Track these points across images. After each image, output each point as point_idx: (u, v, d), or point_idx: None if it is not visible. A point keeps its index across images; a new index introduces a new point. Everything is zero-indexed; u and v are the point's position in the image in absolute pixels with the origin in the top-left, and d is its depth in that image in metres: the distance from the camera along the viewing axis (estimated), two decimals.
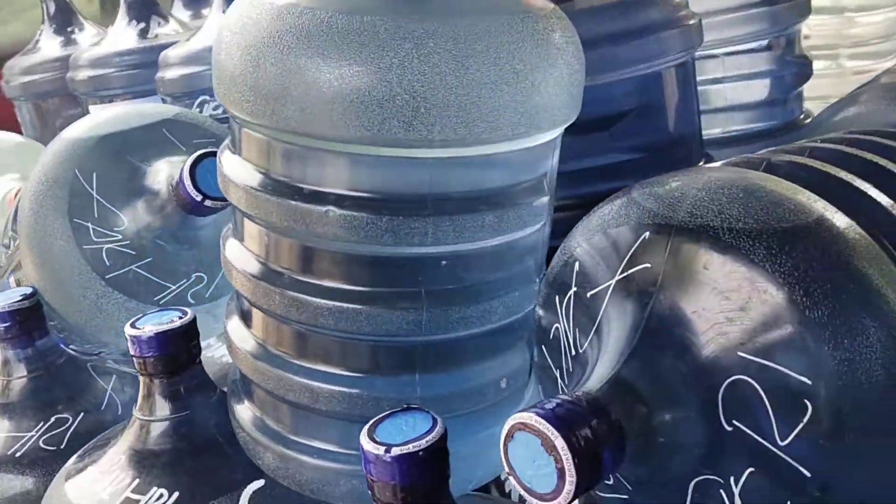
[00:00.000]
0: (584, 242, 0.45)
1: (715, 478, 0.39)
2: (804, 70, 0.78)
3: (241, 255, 0.49)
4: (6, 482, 0.65)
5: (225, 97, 0.45)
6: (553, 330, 0.46)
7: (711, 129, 0.78)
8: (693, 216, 0.40)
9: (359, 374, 0.47)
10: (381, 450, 0.40)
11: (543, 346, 0.48)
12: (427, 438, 0.41)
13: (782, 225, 0.38)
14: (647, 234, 0.42)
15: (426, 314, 0.45)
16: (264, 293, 0.47)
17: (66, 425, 0.68)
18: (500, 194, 0.44)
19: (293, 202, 0.44)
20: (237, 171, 0.47)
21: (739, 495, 0.39)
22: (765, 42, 0.74)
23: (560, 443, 0.35)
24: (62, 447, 0.66)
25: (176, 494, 0.53)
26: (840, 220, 0.39)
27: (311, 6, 0.41)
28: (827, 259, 0.37)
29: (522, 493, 0.37)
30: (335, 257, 0.45)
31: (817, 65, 0.79)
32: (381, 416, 0.43)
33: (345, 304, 0.45)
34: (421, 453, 0.40)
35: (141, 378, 0.57)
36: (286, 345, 0.49)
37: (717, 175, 0.43)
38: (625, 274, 0.42)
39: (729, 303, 0.38)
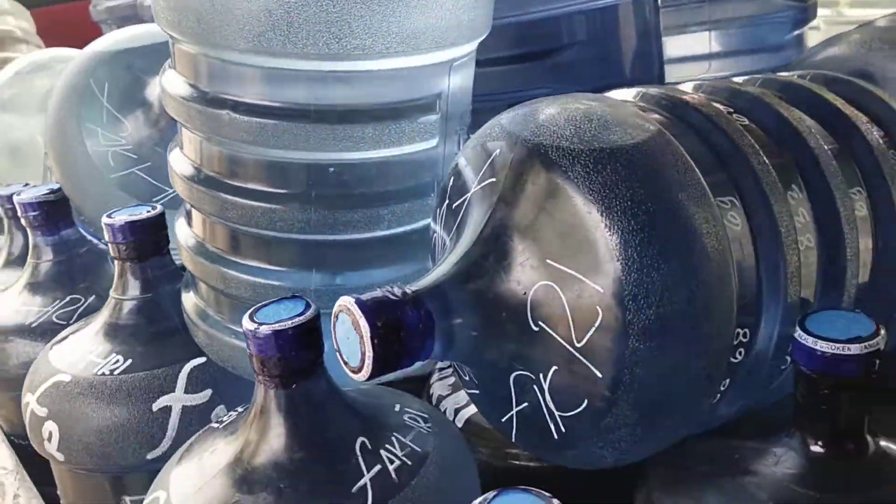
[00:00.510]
0: (463, 156, 0.48)
1: (528, 373, 0.43)
2: (800, 15, 0.76)
3: (180, 160, 0.55)
4: (20, 346, 0.75)
5: (156, 15, 0.50)
6: (434, 238, 0.51)
7: (705, 74, 0.78)
8: (534, 135, 0.43)
9: (264, 266, 0.53)
10: (255, 326, 0.46)
11: (430, 256, 0.52)
12: (296, 319, 0.46)
13: (601, 146, 0.41)
14: (499, 149, 0.45)
15: (314, 214, 0.50)
16: (196, 194, 0.54)
17: (78, 304, 0.78)
18: (382, 109, 0.48)
19: (204, 107, 0.49)
20: (172, 83, 0.53)
21: (548, 391, 0.43)
22: None
23: (363, 324, 0.40)
24: (70, 322, 0.76)
25: (129, 361, 0.61)
26: (664, 147, 0.42)
27: None
28: (632, 180, 0.40)
29: (343, 365, 0.42)
30: (241, 160, 0.51)
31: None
32: (264, 302, 0.48)
33: (249, 202, 0.51)
34: (290, 331, 0.46)
35: (115, 262, 0.65)
36: (214, 240, 0.55)
37: (576, 101, 0.45)
38: (478, 186, 0.46)
39: (545, 214, 0.42)
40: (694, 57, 0.76)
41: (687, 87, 0.52)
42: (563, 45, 0.62)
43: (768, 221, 0.43)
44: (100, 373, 0.61)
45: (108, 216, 0.64)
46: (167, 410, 0.60)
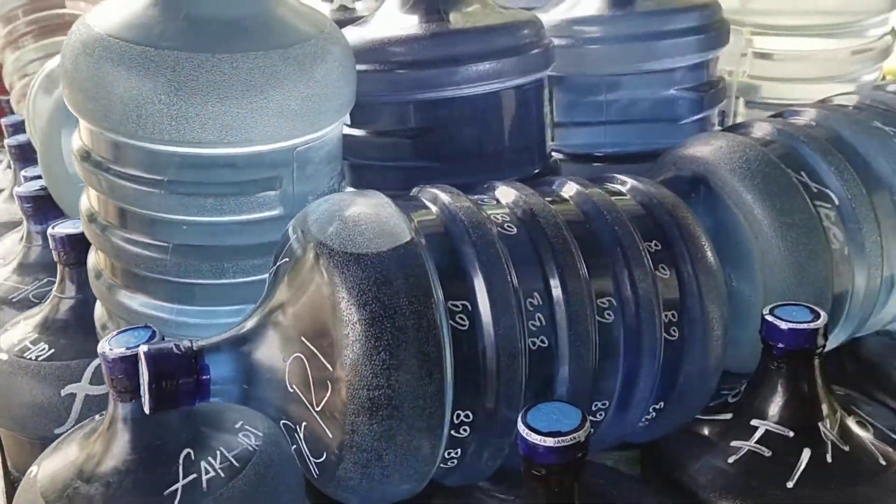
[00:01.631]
0: (288, 227, 0.57)
1: (290, 424, 0.52)
2: (696, 104, 0.80)
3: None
4: (2, 315, 0.89)
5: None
6: None
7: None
8: (314, 230, 0.52)
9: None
10: (106, 350, 0.56)
11: None
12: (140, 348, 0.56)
13: (351, 251, 0.49)
14: (295, 235, 0.54)
15: (170, 260, 0.60)
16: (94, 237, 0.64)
17: (52, 286, 0.91)
18: (223, 185, 0.58)
19: (89, 167, 0.60)
20: (75, 140, 0.63)
21: (303, 440, 0.52)
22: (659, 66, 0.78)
23: (144, 370, 0.49)
24: (44, 300, 0.88)
25: (52, 351, 0.73)
26: (403, 258, 0.49)
27: (120, 37, 0.56)
28: (366, 284, 0.48)
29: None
30: (122, 209, 0.61)
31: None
32: (121, 329, 0.58)
33: (125, 245, 0.61)
34: (132, 357, 0.55)
35: (58, 266, 0.77)
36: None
37: (358, 205, 0.53)
38: (279, 262, 0.54)
39: (306, 299, 0.50)
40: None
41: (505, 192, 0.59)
42: (444, 125, 0.70)
43: (500, 331, 0.50)
44: (28, 357, 0.73)
45: (52, 228, 0.75)
46: (72, 396, 0.71)
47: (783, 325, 0.57)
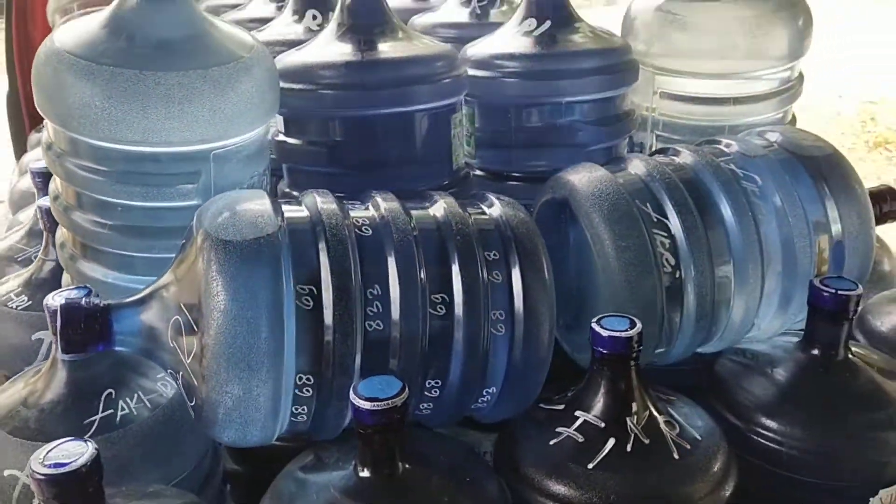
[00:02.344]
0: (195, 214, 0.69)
1: (173, 372, 0.64)
2: (601, 132, 0.88)
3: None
4: (8, 270, 1.03)
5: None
6: None
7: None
8: (205, 218, 0.63)
9: None
10: (49, 303, 0.69)
11: None
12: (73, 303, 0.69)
13: (223, 237, 0.60)
14: (195, 222, 0.65)
15: (111, 236, 0.73)
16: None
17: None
18: (150, 175, 0.70)
19: (54, 158, 0.73)
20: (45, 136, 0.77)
21: (182, 387, 0.64)
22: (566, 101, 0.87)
23: (58, 319, 0.62)
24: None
25: (30, 303, 0.88)
26: (259, 248, 0.60)
27: (72, 52, 0.69)
28: (228, 265, 0.59)
29: None
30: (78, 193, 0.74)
31: None
32: (67, 287, 0.72)
33: (79, 215, 0.74)
34: (64, 311, 0.68)
35: (44, 233, 0.91)
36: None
37: (238, 196, 0.65)
38: (182, 242, 0.66)
39: (190, 273, 0.62)
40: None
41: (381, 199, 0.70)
42: (362, 139, 0.81)
43: (338, 313, 0.61)
44: (10, 305, 0.88)
45: (40, 201, 0.89)
46: (40, 341, 0.85)
47: (604, 333, 0.67)
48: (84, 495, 0.55)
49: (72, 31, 0.71)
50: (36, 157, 1.68)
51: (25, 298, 0.89)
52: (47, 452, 0.55)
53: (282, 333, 0.59)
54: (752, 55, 0.92)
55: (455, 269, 0.66)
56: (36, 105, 0.73)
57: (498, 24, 0.97)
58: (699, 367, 0.83)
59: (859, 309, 0.88)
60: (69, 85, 0.68)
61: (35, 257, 1.04)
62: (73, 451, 0.55)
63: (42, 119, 2.04)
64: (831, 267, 0.78)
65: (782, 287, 0.76)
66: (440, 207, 0.70)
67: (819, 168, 0.78)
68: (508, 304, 0.67)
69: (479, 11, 1.07)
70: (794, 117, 1.03)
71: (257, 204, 0.65)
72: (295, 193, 0.84)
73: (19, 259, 1.06)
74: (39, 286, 0.90)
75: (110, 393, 0.72)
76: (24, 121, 1.99)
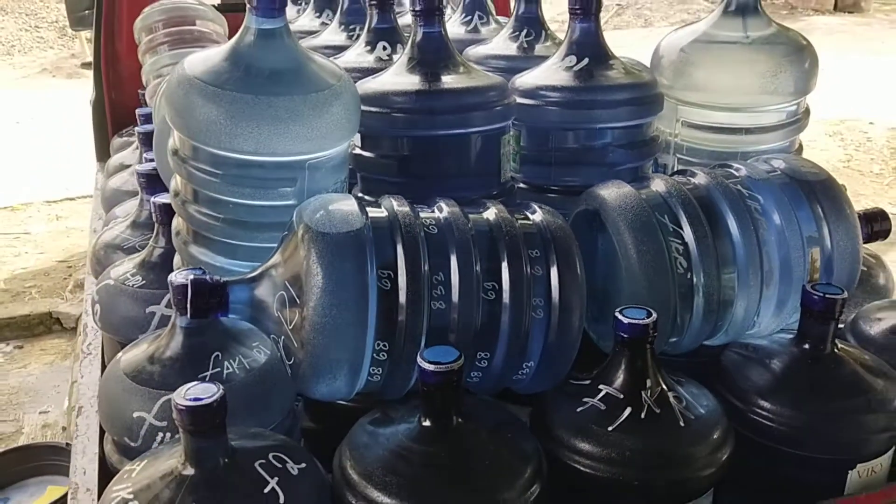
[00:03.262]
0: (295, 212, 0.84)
1: (276, 338, 0.79)
2: (630, 155, 1.02)
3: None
4: (115, 257, 1.19)
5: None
6: None
7: None
8: (304, 214, 0.78)
9: None
10: (173, 278, 0.84)
11: None
12: (192, 280, 0.84)
13: (322, 230, 0.75)
14: (295, 217, 0.80)
15: (221, 227, 0.88)
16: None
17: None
18: (255, 179, 0.86)
19: (176, 160, 0.89)
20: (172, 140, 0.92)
21: (282, 348, 0.79)
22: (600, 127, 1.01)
23: (189, 291, 0.77)
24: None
25: (143, 282, 1.03)
26: (351, 240, 0.75)
27: (200, 79, 0.84)
28: (326, 253, 0.74)
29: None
30: (198, 192, 0.90)
31: None
32: (186, 267, 0.87)
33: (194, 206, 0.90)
34: (185, 286, 0.84)
35: (155, 225, 1.07)
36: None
37: (331, 198, 0.80)
38: (284, 234, 0.81)
39: (295, 258, 0.77)
40: None
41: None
42: (425, 154, 0.96)
43: (410, 294, 0.76)
44: (127, 284, 1.03)
45: (154, 197, 1.05)
46: (153, 314, 1.01)
47: (625, 321, 0.80)
48: (213, 425, 0.70)
49: (200, 61, 0.87)
50: (121, 162, 1.86)
51: (140, 279, 1.04)
52: (187, 390, 0.70)
53: (365, 308, 0.74)
54: (763, 92, 1.05)
55: (504, 263, 0.80)
56: (168, 119, 0.88)
57: (542, 58, 1.11)
58: (710, 359, 0.96)
59: (846, 312, 1.02)
60: (198, 105, 0.83)
61: (139, 246, 1.21)
62: (207, 391, 0.70)
63: (124, 125, 2.22)
64: (822, 275, 0.90)
65: (779, 291, 0.89)
66: (492, 213, 0.84)
67: (814, 191, 0.91)
68: (546, 294, 0.81)
69: (525, 45, 1.21)
70: (800, 145, 1.15)
71: (347, 205, 0.80)
72: (368, 198, 0.99)
73: (125, 247, 1.22)
74: (151, 268, 1.05)
75: (217, 355, 0.86)
76: (108, 126, 2.17)
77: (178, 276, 0.84)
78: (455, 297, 0.78)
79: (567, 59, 1.04)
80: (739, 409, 0.87)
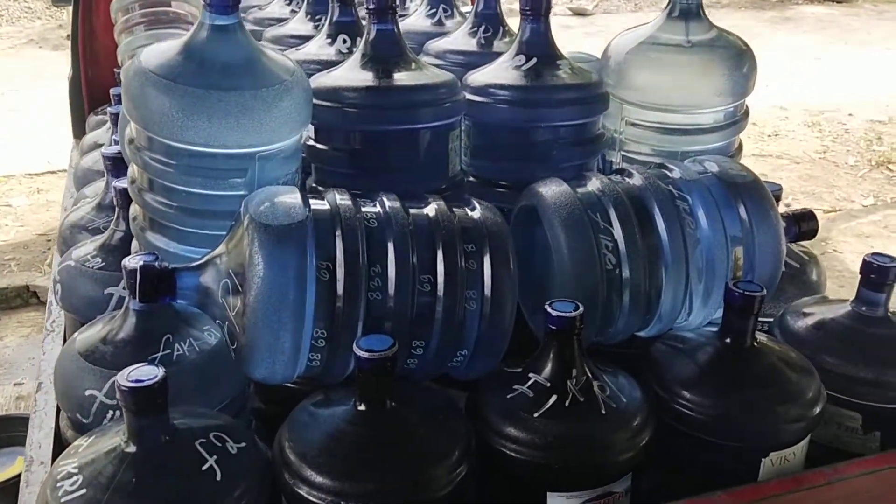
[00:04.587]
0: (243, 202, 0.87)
1: (220, 323, 0.83)
2: (575, 152, 1.06)
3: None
4: (80, 237, 1.23)
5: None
6: None
7: None
8: (250, 205, 0.82)
9: None
10: (126, 263, 0.88)
11: None
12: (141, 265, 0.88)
13: (264, 221, 0.79)
14: (242, 208, 0.84)
15: (175, 214, 0.92)
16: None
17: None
18: (207, 170, 0.89)
19: (134, 151, 0.92)
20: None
21: (226, 333, 0.83)
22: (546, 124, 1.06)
23: (138, 276, 0.81)
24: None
25: (103, 263, 1.07)
26: (292, 231, 0.79)
27: (154, 72, 0.87)
28: (265, 245, 0.78)
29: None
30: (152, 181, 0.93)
31: None
32: (141, 252, 0.91)
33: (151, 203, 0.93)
34: (133, 270, 0.87)
35: (116, 208, 1.10)
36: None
37: (276, 190, 0.84)
38: (232, 224, 0.85)
39: (239, 247, 0.80)
40: None
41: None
42: (377, 148, 1.00)
43: (347, 285, 0.80)
44: (87, 265, 1.07)
45: (115, 182, 1.09)
46: (111, 295, 1.04)
47: (554, 313, 0.85)
48: (153, 406, 0.74)
49: (155, 54, 0.90)
50: (95, 140, 1.88)
51: (100, 261, 1.08)
52: (130, 372, 0.74)
53: (304, 297, 0.78)
54: (700, 95, 1.09)
55: (440, 256, 0.84)
56: (124, 110, 0.92)
57: (499, 54, 1.14)
58: (642, 350, 1.01)
59: (777, 306, 1.08)
60: (152, 97, 0.87)
61: (102, 227, 1.24)
62: (149, 373, 0.74)
63: (100, 102, 2.23)
64: (745, 273, 0.95)
65: (705, 287, 0.94)
66: (432, 208, 0.88)
67: (740, 192, 0.95)
68: (480, 286, 0.85)
69: (483, 41, 1.24)
70: (740, 144, 1.20)
71: (291, 197, 0.84)
72: (321, 189, 1.03)
73: (90, 228, 1.25)
74: (111, 251, 1.09)
75: (168, 337, 0.90)
76: (85, 104, 2.19)
77: (131, 261, 0.88)
78: (391, 288, 0.82)
79: (517, 59, 1.08)
80: (664, 399, 0.92)
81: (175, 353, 0.89)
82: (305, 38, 1.30)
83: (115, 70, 1.98)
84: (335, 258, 0.80)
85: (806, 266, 1.18)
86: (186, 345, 0.91)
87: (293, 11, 1.54)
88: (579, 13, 8.86)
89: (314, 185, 1.06)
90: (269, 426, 0.94)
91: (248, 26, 1.57)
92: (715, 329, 0.97)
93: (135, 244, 1.03)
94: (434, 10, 1.43)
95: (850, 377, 0.97)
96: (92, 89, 2.18)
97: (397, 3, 1.02)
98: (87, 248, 1.12)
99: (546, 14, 1.07)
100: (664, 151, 1.11)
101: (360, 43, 1.04)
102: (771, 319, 1.08)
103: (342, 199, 0.86)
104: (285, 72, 0.93)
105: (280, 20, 1.51)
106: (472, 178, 1.12)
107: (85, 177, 1.63)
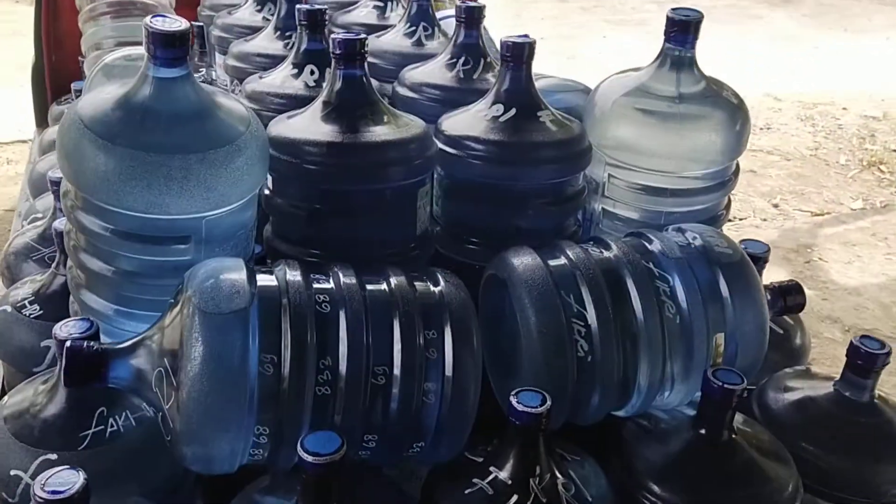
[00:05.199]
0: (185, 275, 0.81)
1: (155, 412, 0.77)
2: (553, 212, 1.00)
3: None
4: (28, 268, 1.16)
5: None
6: None
7: None
8: (190, 284, 0.75)
9: None
10: (57, 332, 0.81)
11: None
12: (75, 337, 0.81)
13: (202, 307, 0.73)
14: (183, 284, 0.77)
15: (113, 278, 0.85)
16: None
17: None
18: (147, 237, 0.82)
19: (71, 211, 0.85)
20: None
21: (161, 422, 0.77)
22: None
23: (64, 359, 0.74)
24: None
25: (42, 312, 1.00)
26: (228, 322, 0.73)
27: (90, 128, 0.80)
28: (197, 329, 0.72)
29: None
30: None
31: None
32: (74, 318, 0.84)
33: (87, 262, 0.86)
34: (68, 343, 0.81)
35: (58, 252, 1.03)
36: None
37: (221, 266, 0.78)
38: (172, 300, 0.78)
39: (173, 333, 0.74)
40: None
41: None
42: (338, 207, 0.93)
43: (292, 381, 0.74)
44: (24, 313, 1.01)
45: (58, 221, 1.01)
46: (48, 348, 0.98)
47: (518, 407, 0.79)
48: None
49: (93, 106, 0.82)
50: (54, 138, 1.79)
51: (38, 307, 1.01)
52: (48, 479, 0.68)
53: (244, 394, 0.72)
54: (688, 159, 1.02)
55: (397, 348, 0.78)
56: (58, 163, 0.84)
57: (478, 91, 1.07)
58: (613, 428, 0.96)
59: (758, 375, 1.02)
60: (86, 156, 0.79)
61: (48, 259, 1.17)
62: (68, 481, 0.68)
63: (65, 91, 2.13)
64: (725, 359, 0.90)
65: (682, 373, 0.88)
66: (392, 285, 0.82)
67: (724, 272, 0.89)
68: (440, 378, 0.79)
69: (462, 75, 1.17)
70: (729, 202, 1.13)
71: (236, 275, 0.77)
72: (278, 245, 0.97)
73: (34, 258, 1.18)
74: (50, 297, 1.02)
75: (102, 411, 0.84)
76: (48, 91, 2.10)
77: (62, 330, 0.81)
78: (342, 382, 0.76)
79: (494, 108, 1.00)
80: (630, 492, 0.87)
81: (108, 430, 0.83)
82: (274, 59, 1.22)
83: (80, 58, 1.89)
84: (280, 351, 0.74)
85: (790, 331, 1.13)
86: (122, 419, 0.84)
87: (265, 19, 1.46)
88: None
89: (270, 237, 0.99)
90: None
91: (216, 32, 1.52)
92: (691, 413, 0.92)
93: (71, 301, 0.96)
94: (414, 29, 1.35)
95: (830, 469, 0.92)
96: (55, 77, 2.09)
97: (366, 47, 0.94)
98: (25, 289, 1.05)
99: (528, 62, 1.00)
100: (648, 211, 1.05)
101: (325, 86, 0.96)
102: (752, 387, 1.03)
103: (292, 277, 0.79)
104: (238, 127, 0.85)
105: (250, 29, 1.43)
106: (441, 230, 1.05)
107: (40, 182, 1.55)
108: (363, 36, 0.94)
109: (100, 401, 0.84)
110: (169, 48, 0.81)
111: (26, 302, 1.02)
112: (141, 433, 0.84)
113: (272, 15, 1.41)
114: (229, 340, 0.72)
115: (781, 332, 1.11)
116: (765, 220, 3.74)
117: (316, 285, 0.80)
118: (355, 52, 0.93)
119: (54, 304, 1.01)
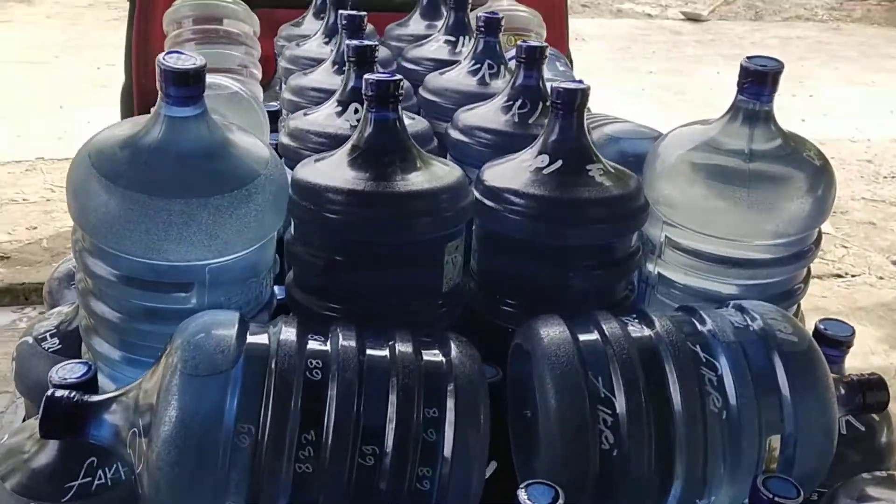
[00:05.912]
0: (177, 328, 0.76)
1: (130, 470, 0.72)
2: (598, 277, 0.90)
3: None
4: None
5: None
6: None
7: None
8: (177, 339, 0.71)
9: None
10: (52, 379, 0.79)
11: None
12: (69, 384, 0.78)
13: (181, 369, 0.68)
14: (171, 338, 0.73)
15: (120, 323, 0.82)
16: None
17: None
18: (150, 283, 0.78)
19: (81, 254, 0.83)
20: None
21: (135, 483, 0.72)
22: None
23: (43, 410, 0.71)
24: None
25: (60, 346, 0.98)
26: (208, 385, 0.67)
27: (99, 172, 0.77)
28: (180, 399, 0.66)
29: None
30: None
31: None
32: (68, 362, 0.81)
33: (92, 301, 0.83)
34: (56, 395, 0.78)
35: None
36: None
37: (210, 322, 0.72)
38: (162, 354, 0.74)
39: (151, 392, 0.69)
40: None
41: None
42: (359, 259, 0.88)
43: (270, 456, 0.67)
44: (44, 346, 0.99)
45: None
46: None
47: (527, 503, 0.70)
48: None
49: (103, 144, 0.79)
50: None
51: (57, 341, 1.00)
52: None
53: (214, 469, 0.66)
54: (756, 225, 0.90)
55: (391, 426, 0.70)
56: (67, 203, 0.82)
57: (535, 137, 0.99)
58: None
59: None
60: (90, 196, 0.77)
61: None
62: None
63: None
64: (781, 465, 0.78)
65: (727, 478, 0.77)
66: (395, 352, 0.74)
67: (785, 363, 0.78)
68: (437, 463, 0.71)
69: (517, 119, 1.10)
70: (808, 274, 1.00)
71: (224, 332, 0.72)
72: (296, 295, 0.91)
73: (73, 285, 1.17)
74: (70, 332, 1.00)
75: (92, 461, 0.81)
76: (135, 113, 2.15)
77: (58, 374, 0.78)
78: (325, 460, 0.69)
79: (539, 158, 0.92)
80: None
81: (95, 483, 0.79)
82: (328, 94, 1.18)
83: None
84: (259, 421, 0.68)
85: (875, 428, 0.99)
86: (112, 472, 0.81)
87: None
88: (693, 18, 8.47)
89: (290, 284, 0.94)
90: None
91: (282, 64, 1.50)
92: None
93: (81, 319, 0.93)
94: (478, 67, 1.29)
95: None
96: (143, 99, 2.13)
97: (401, 89, 0.88)
98: (51, 321, 1.04)
99: (580, 110, 0.91)
100: (708, 280, 0.94)
101: (356, 129, 0.91)
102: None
103: (286, 335, 0.73)
104: (252, 172, 0.81)
105: (315, 61, 1.40)
106: (476, 287, 0.98)
107: None
108: (398, 77, 0.88)
109: (91, 450, 0.80)
110: (182, 86, 0.78)
111: (47, 335, 1.01)
112: (128, 487, 0.80)
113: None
114: (203, 405, 0.67)
115: (863, 428, 0.97)
116: (881, 278, 3.46)
117: (310, 346, 0.73)
118: (388, 94, 0.87)
119: (73, 339, 0.99)
